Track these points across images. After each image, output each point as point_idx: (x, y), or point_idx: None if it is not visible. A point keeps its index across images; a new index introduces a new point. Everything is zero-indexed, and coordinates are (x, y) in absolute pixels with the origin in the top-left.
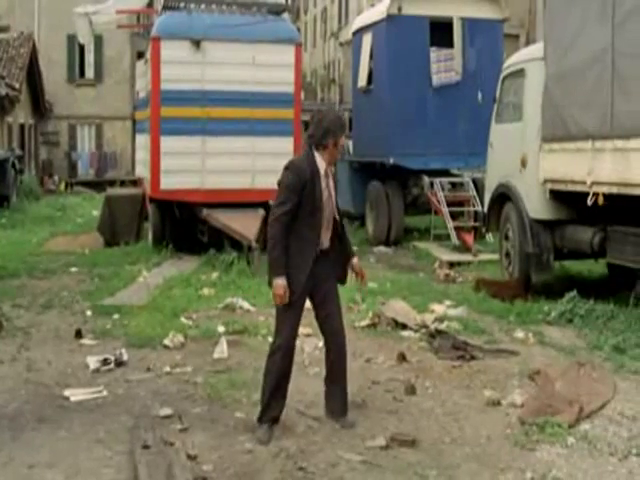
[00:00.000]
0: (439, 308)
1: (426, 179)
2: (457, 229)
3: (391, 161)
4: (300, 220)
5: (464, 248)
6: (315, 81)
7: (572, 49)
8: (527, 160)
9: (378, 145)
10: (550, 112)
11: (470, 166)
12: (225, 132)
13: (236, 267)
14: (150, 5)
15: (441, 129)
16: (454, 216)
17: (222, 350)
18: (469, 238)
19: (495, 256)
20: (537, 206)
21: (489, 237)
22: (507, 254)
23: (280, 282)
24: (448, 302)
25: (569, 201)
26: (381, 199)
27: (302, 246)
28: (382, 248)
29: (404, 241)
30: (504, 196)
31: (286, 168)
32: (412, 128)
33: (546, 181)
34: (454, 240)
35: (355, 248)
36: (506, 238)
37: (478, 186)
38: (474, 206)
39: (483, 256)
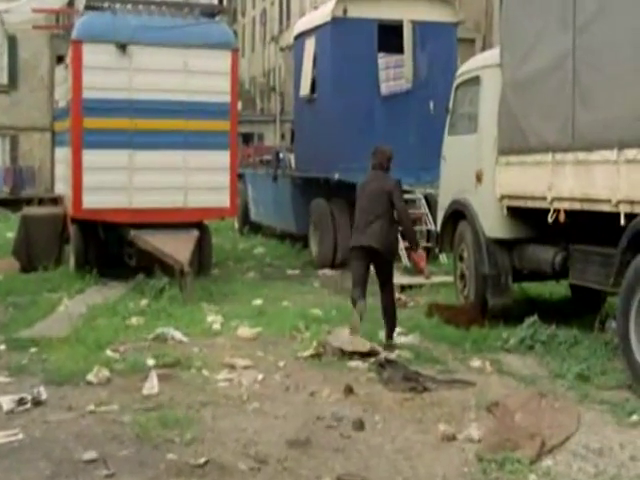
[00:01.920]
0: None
1: None
2: (408, 250)
3: (336, 177)
4: (392, 217)
5: (416, 270)
6: (254, 89)
7: (531, 55)
8: (483, 175)
9: (322, 159)
10: (507, 123)
11: (422, 182)
12: (155, 145)
13: (167, 294)
14: (71, 4)
15: (390, 142)
16: (405, 236)
17: (152, 385)
18: (421, 259)
19: (449, 278)
20: (494, 224)
21: (443, 258)
22: (462, 276)
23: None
24: (399, 329)
25: (528, 218)
26: (326, 218)
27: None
28: (327, 271)
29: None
30: (458, 213)
31: (398, 182)
32: (359, 141)
33: (503, 197)
34: (405, 261)
35: (297, 272)
36: (461, 259)
37: (431, 203)
38: (426, 225)
39: (436, 278)
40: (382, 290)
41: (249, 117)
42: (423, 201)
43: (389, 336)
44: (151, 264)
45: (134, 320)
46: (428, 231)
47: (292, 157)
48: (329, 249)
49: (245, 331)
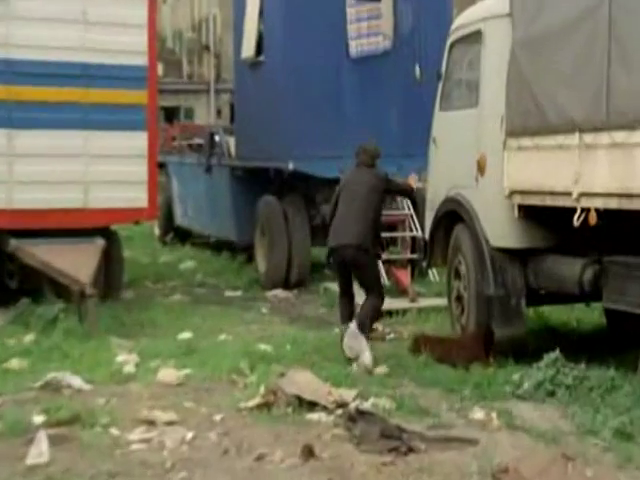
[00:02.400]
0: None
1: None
2: (387, 263)
3: (291, 167)
4: (379, 215)
5: (397, 291)
6: (180, 48)
7: (550, 2)
8: (486, 163)
9: (272, 144)
10: (519, 93)
11: (405, 173)
12: (42, 123)
13: (62, 325)
14: None
15: (363, 120)
16: (383, 245)
17: (40, 451)
18: (404, 276)
19: (441, 301)
20: (501, 229)
21: (433, 274)
22: (458, 298)
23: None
24: (375, 369)
25: (547, 221)
26: (277, 222)
27: (379, 232)
28: (279, 292)
29: (311, 282)
30: (454, 215)
31: (385, 173)
32: (321, 119)
33: (513, 193)
34: (384, 280)
35: (238, 293)
36: (457, 275)
37: (417, 202)
38: (411, 230)
39: (424, 302)
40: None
41: (173, 86)
42: (406, 199)
43: (361, 326)
44: (39, 285)
45: (15, 363)
46: (413, 239)
47: (232, 141)
48: (281, 263)
49: (169, 374)
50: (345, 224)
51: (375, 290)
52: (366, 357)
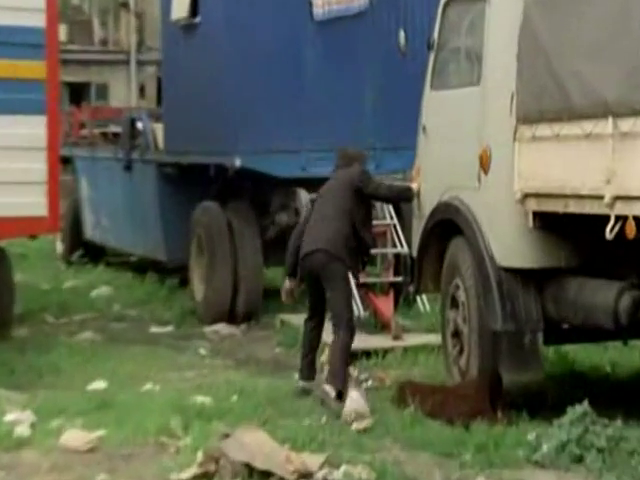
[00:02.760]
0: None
1: (304, 196)
2: (363, 288)
3: (237, 163)
4: (362, 221)
5: (377, 324)
6: (90, 7)
7: None
8: (491, 158)
9: (212, 133)
10: (534, 67)
11: (385, 171)
12: None
13: None
14: None
15: (331, 102)
16: (364, 263)
17: None
18: (385, 305)
19: (433, 338)
20: (511, 244)
21: (422, 303)
22: (456, 334)
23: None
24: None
25: (571, 233)
26: (219, 235)
27: (362, 242)
28: (222, 327)
29: (264, 313)
30: (449, 226)
31: (365, 169)
32: (276, 101)
33: (527, 196)
34: (359, 310)
35: (168, 329)
36: (454, 304)
37: (401, 209)
38: (394, 245)
39: (412, 339)
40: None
41: (81, 55)
42: (389, 206)
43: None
44: None
45: None
46: (397, 256)
47: (159, 129)
48: (225, 289)
49: (76, 437)
50: (316, 230)
51: (343, 320)
52: (353, 404)
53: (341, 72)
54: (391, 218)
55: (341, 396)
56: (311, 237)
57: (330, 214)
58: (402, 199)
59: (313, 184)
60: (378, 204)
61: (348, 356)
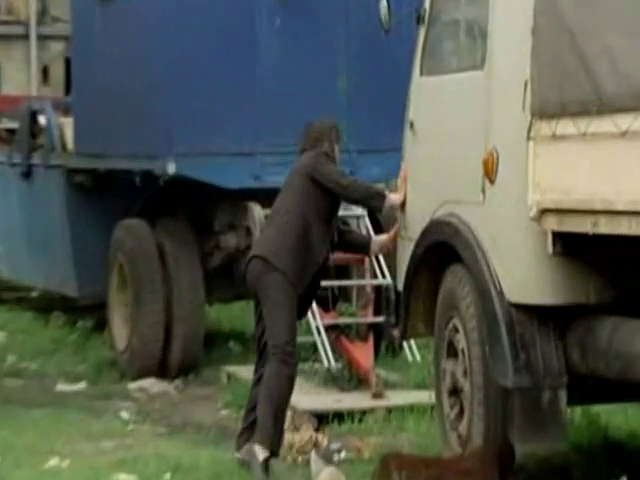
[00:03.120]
0: None
1: (258, 212)
2: (334, 332)
3: (171, 170)
4: (320, 219)
5: (352, 378)
6: None
7: None
8: (498, 164)
9: (138, 131)
10: (555, 47)
11: (362, 179)
12: None
13: None
14: None
15: (293, 94)
16: (325, 302)
17: None
18: (363, 354)
19: (424, 396)
20: (525, 274)
21: (410, 351)
22: (454, 391)
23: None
24: None
25: (602, 260)
26: (147, 263)
27: (315, 248)
28: (152, 383)
29: (207, 364)
30: (444, 250)
31: (323, 153)
32: (222, 92)
33: (545, 212)
34: (329, 360)
35: (80, 386)
36: (451, 353)
37: (383, 227)
38: (374, 276)
39: (397, 397)
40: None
41: None
42: (367, 223)
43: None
44: None
45: None
46: (377, 290)
47: (68, 124)
48: (155, 333)
49: None
50: (262, 232)
51: (279, 347)
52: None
53: (306, 55)
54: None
55: (274, 455)
56: (255, 242)
57: (278, 210)
58: (365, 203)
59: (270, 197)
60: (353, 221)
61: (285, 399)
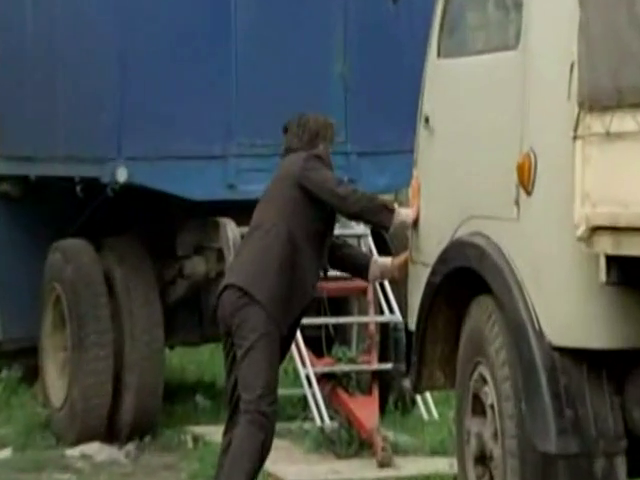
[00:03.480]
0: None
1: (232, 230)
2: (330, 382)
3: (122, 178)
4: (311, 239)
5: (353, 440)
6: None
7: None
8: (536, 169)
9: (78, 129)
10: (610, 19)
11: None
12: None
13: None
14: None
15: (275, 84)
16: (318, 344)
17: None
18: (366, 411)
19: (443, 465)
20: (571, 310)
21: (425, 406)
22: (481, 458)
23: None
24: None
25: None
26: (92, 295)
27: (304, 277)
28: (97, 449)
29: (168, 424)
30: (468, 279)
31: (314, 155)
32: (187, 80)
33: (597, 231)
34: (322, 418)
35: (5, 454)
36: (477, 409)
37: (390, 247)
38: (380, 311)
39: (409, 465)
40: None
41: None
42: (370, 242)
43: None
44: None
45: None
46: (384, 329)
47: None
48: (101, 385)
49: None
50: (239, 253)
51: (252, 403)
52: None
53: (293, 34)
54: None
55: None
56: (229, 268)
57: (258, 227)
58: (369, 219)
59: (247, 211)
60: (353, 241)
61: (255, 471)
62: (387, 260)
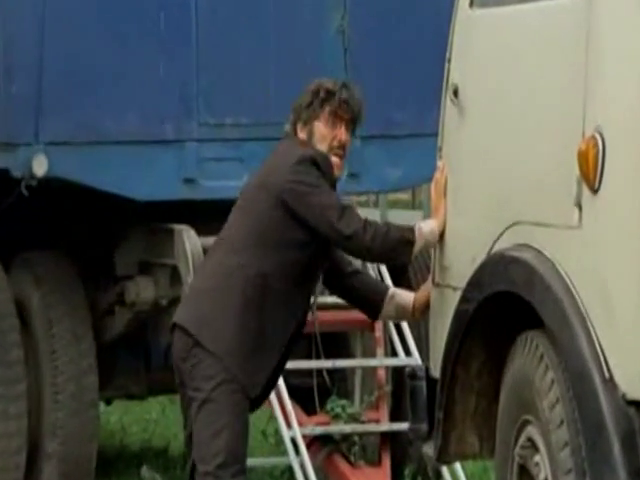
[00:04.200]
0: None
1: (191, 241)
2: (322, 446)
3: (40, 169)
4: (291, 277)
5: None
6: None
7: None
8: (604, 158)
9: None
10: None
11: (369, 187)
12: None
13: None
14: None
15: (249, 43)
16: (308, 396)
17: None
18: None
19: None
20: None
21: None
22: None
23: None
24: None
25: None
26: None
27: (278, 324)
28: None
29: None
30: (511, 306)
31: (309, 159)
32: (124, 42)
33: None
34: None
35: None
36: None
37: (408, 270)
38: (393, 352)
39: None
40: None
41: None
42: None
43: None
44: None
45: None
46: (398, 375)
47: None
48: (13, 452)
49: None
50: (194, 280)
51: (210, 475)
52: None
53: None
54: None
55: None
56: (184, 296)
57: (222, 245)
58: (388, 261)
59: (211, 215)
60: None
61: None
62: (408, 296)
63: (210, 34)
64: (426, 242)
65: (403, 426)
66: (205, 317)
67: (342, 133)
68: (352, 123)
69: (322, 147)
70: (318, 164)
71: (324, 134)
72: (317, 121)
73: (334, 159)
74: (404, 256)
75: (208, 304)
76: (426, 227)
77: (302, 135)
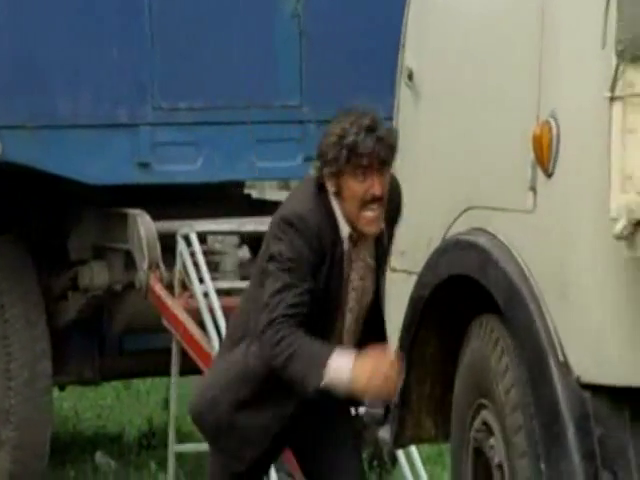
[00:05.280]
0: None
1: (145, 226)
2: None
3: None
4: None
5: None
6: None
7: None
8: (559, 143)
9: None
10: None
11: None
12: None
13: None
14: None
15: (202, 23)
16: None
17: None
18: None
19: None
20: (608, 334)
21: (410, 465)
22: None
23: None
24: None
25: None
26: None
27: (270, 389)
28: None
29: None
30: (466, 290)
31: (286, 221)
32: (76, 19)
33: None
34: None
35: None
36: (479, 469)
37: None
38: None
39: None
40: None
41: None
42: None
43: None
44: None
45: None
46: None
47: None
48: None
49: None
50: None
51: None
52: None
53: None
54: None
55: None
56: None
57: (236, 314)
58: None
59: (165, 199)
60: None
61: None
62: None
63: (164, 18)
64: (329, 383)
65: (359, 410)
66: (204, 389)
67: (375, 184)
68: (386, 165)
69: (354, 204)
70: (292, 225)
71: (355, 190)
72: (345, 176)
73: (368, 214)
74: (309, 381)
75: (210, 380)
76: (335, 364)
77: (332, 189)
